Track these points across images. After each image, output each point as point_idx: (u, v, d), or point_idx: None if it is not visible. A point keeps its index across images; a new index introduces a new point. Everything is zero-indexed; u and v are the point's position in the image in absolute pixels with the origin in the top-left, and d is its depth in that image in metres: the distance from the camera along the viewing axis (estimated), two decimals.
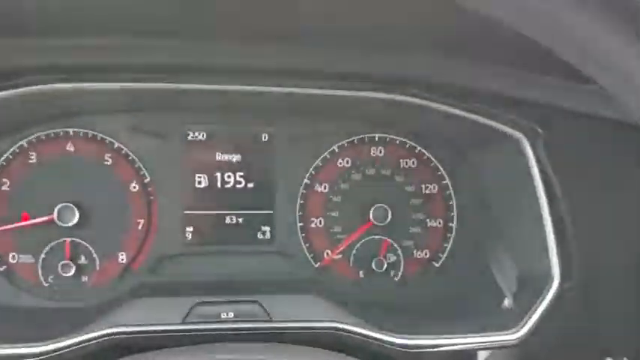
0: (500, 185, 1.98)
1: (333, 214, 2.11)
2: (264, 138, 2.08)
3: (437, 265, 2.15)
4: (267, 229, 2.09)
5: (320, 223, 2.11)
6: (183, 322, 1.69)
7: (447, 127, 1.97)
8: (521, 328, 1.74)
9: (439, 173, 2.14)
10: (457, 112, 1.77)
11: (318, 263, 2.11)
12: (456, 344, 1.75)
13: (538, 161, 1.76)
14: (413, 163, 2.13)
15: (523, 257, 1.90)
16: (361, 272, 2.13)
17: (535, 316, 1.73)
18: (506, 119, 1.77)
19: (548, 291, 1.74)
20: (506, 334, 1.74)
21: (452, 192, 2.14)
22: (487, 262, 2.04)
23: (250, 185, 2.08)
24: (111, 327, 1.64)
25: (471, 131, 1.88)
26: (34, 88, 1.66)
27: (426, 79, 1.74)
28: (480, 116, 1.78)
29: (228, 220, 2.08)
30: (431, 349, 1.74)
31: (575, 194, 1.78)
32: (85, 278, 2.01)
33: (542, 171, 1.76)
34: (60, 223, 1.93)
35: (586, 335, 1.83)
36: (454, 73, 1.74)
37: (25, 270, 1.98)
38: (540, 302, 1.74)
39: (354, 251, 2.12)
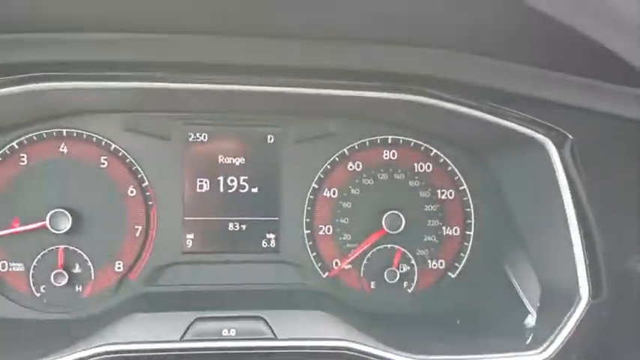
0: (522, 192, 1.84)
1: (343, 221, 1.99)
2: (270, 140, 1.96)
3: (453, 276, 2.02)
4: (272, 236, 1.97)
5: (328, 231, 1.99)
6: (182, 340, 1.57)
7: (465, 130, 1.83)
8: (547, 348, 1.60)
9: (456, 178, 2.01)
10: (477, 113, 1.64)
11: (327, 273, 1.99)
12: None
13: (565, 167, 1.63)
14: (428, 167, 2.00)
15: (547, 270, 1.76)
16: (372, 283, 2.00)
17: (562, 336, 1.60)
18: (530, 122, 1.64)
19: (577, 307, 1.60)
20: (530, 355, 1.61)
21: (469, 198, 2.01)
22: (507, 275, 1.92)
23: (254, 190, 1.96)
24: (105, 345, 1.52)
25: (491, 134, 1.75)
26: (25, 86, 1.53)
27: (445, 78, 1.60)
28: (502, 118, 1.65)
29: (230, 227, 1.95)
30: None
31: (604, 202, 1.64)
32: (79, 288, 1.89)
33: (569, 177, 1.63)
34: (52, 230, 1.82)
35: (616, 356, 1.70)
36: (474, 73, 1.61)
37: (15, 279, 1.87)
38: (568, 320, 1.60)
39: (364, 261, 1.99)
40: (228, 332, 1.60)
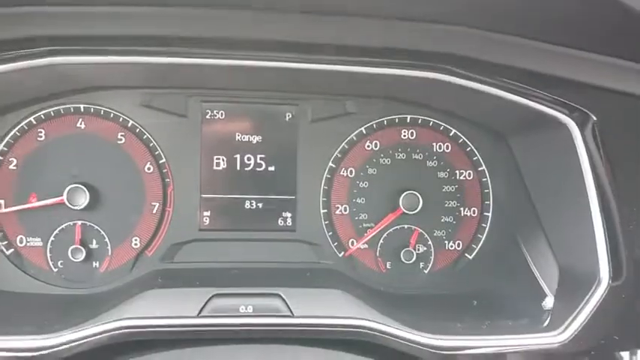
0: (542, 173, 1.81)
1: (359, 200, 1.97)
2: (287, 118, 1.94)
3: (470, 257, 2.01)
4: (288, 215, 1.96)
5: (345, 211, 1.97)
6: (199, 316, 1.57)
7: (486, 110, 1.80)
8: (565, 330, 1.59)
9: (475, 159, 1.99)
10: (500, 93, 1.61)
11: (342, 253, 1.98)
12: (491, 346, 1.61)
13: (587, 148, 1.60)
14: (447, 147, 1.98)
15: (567, 252, 1.74)
16: (388, 263, 1.99)
17: (580, 318, 1.58)
18: (553, 101, 1.61)
19: (596, 290, 1.58)
20: (548, 337, 1.60)
21: (488, 179, 1.99)
22: (525, 256, 1.89)
23: (271, 168, 1.95)
24: (122, 320, 1.52)
25: (513, 114, 1.72)
26: (43, 60, 1.52)
27: (468, 56, 1.58)
28: (525, 98, 1.62)
29: (247, 205, 1.95)
30: (463, 351, 1.60)
31: (626, 184, 1.61)
32: (96, 264, 1.90)
33: (591, 158, 1.60)
34: (70, 206, 1.82)
35: (634, 339, 1.68)
36: (497, 50, 1.58)
37: (33, 254, 1.88)
38: (587, 302, 1.58)
39: (380, 241, 1.98)
40: (246, 309, 1.59)
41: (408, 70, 1.60)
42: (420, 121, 1.97)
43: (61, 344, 1.48)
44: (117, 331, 1.50)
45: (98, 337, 1.50)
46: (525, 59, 1.58)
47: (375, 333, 1.58)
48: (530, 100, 1.61)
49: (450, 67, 1.58)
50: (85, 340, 1.50)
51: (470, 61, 1.58)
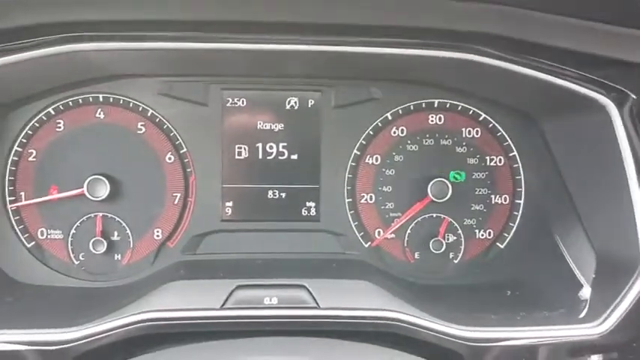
0: (577, 158, 1.73)
1: (386, 189, 1.91)
2: (310, 104, 1.88)
3: (501, 246, 1.93)
4: (312, 204, 1.90)
5: (371, 199, 1.91)
6: (223, 308, 1.53)
7: (518, 92, 1.73)
8: (604, 321, 1.51)
9: (506, 144, 1.91)
10: (534, 73, 1.54)
11: (369, 243, 1.92)
12: (527, 337, 1.54)
13: (626, 129, 1.52)
14: (477, 132, 1.91)
15: (605, 240, 1.65)
16: (416, 254, 1.93)
17: (620, 309, 1.50)
18: (590, 81, 1.53)
19: (637, 279, 1.50)
20: (586, 328, 1.52)
21: (520, 165, 1.91)
22: (558, 245, 1.82)
23: (294, 157, 1.90)
24: (145, 312, 1.49)
25: (547, 96, 1.65)
26: (61, 47, 1.49)
27: (500, 34, 1.51)
28: (560, 78, 1.54)
29: (270, 195, 1.90)
30: (498, 343, 1.53)
31: None
32: (117, 256, 1.87)
33: (630, 140, 1.52)
34: (91, 197, 1.79)
35: None
36: (532, 29, 1.51)
37: (54, 246, 1.85)
38: (627, 292, 1.50)
39: (408, 230, 1.91)
40: (270, 300, 1.54)
41: (439, 51, 1.53)
42: (448, 106, 1.89)
43: (84, 337, 1.45)
44: (140, 324, 1.47)
45: (121, 330, 1.47)
46: (562, 37, 1.51)
47: (405, 325, 1.51)
48: (566, 80, 1.54)
49: (484, 47, 1.51)
50: (109, 333, 1.46)
51: (504, 41, 1.51)
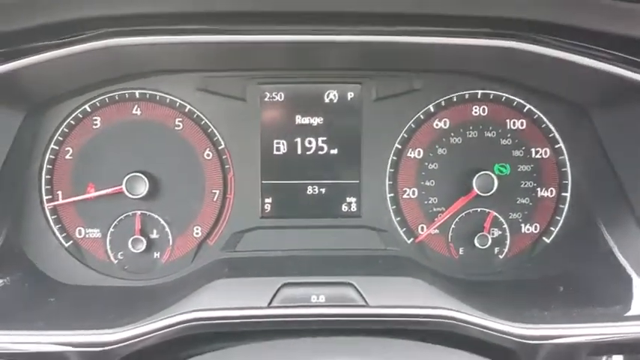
0: (632, 149, 1.67)
1: (429, 183, 1.86)
2: (350, 97, 1.84)
3: (548, 241, 1.88)
4: (352, 200, 1.86)
5: (413, 194, 1.87)
6: (270, 307, 1.49)
7: (567, 81, 1.67)
8: None
9: (551, 135, 1.85)
10: (585, 61, 1.48)
11: (412, 239, 1.87)
12: (582, 335, 1.48)
13: None
14: (521, 123, 1.85)
15: None
16: (461, 249, 1.88)
17: None
18: None
19: None
20: None
21: (566, 157, 1.86)
22: (606, 239, 1.76)
23: (334, 151, 1.85)
24: (191, 312, 1.45)
25: (599, 85, 1.59)
26: (97, 42, 1.46)
27: (552, 21, 1.45)
28: (613, 65, 1.49)
29: (309, 191, 1.86)
30: (554, 341, 1.48)
31: None
32: (157, 254, 1.83)
33: None
34: (129, 195, 1.75)
35: None
36: (581, 13, 1.45)
37: (92, 246, 1.83)
38: None
39: (452, 226, 1.87)
40: (317, 299, 1.51)
41: (485, 40, 1.48)
42: (491, 97, 1.84)
43: (130, 338, 1.43)
44: (186, 324, 1.44)
45: (167, 330, 1.44)
46: (618, 23, 1.44)
47: (458, 322, 1.47)
48: (621, 68, 1.48)
49: (534, 34, 1.46)
50: (154, 334, 1.44)
51: (556, 28, 1.46)
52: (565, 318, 1.52)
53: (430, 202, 1.86)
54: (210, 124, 1.82)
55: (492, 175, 1.79)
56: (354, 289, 1.53)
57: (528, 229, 1.88)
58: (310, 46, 1.54)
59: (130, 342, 1.42)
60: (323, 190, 1.86)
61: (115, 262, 1.82)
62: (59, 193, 1.80)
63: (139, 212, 1.82)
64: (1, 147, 1.65)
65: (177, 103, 1.82)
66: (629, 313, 1.54)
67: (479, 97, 1.84)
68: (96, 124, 1.81)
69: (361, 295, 1.51)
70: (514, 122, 1.85)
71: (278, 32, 1.49)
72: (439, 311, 1.47)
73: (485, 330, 1.46)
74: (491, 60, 1.65)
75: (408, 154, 1.86)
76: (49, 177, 1.80)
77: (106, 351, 1.41)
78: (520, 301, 1.67)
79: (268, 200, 1.85)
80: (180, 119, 1.82)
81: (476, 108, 1.85)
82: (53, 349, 1.42)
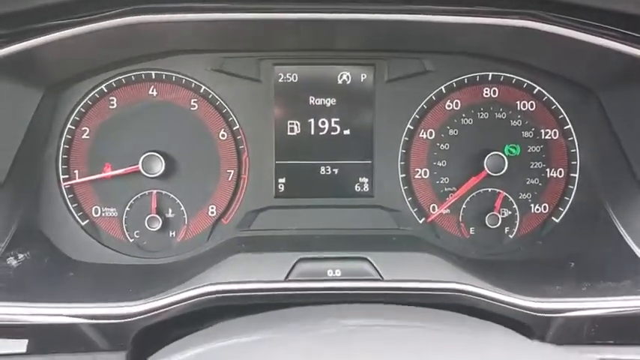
0: (638, 131, 1.70)
1: (440, 163, 1.89)
2: (362, 78, 1.87)
3: (557, 220, 1.91)
4: (365, 180, 1.89)
5: (425, 175, 1.89)
6: (287, 280, 1.52)
7: (575, 61, 1.70)
8: None
9: (560, 117, 1.88)
10: (592, 39, 1.50)
11: (423, 219, 1.90)
12: (593, 308, 1.51)
13: None
14: (531, 105, 1.88)
15: None
16: (471, 229, 1.91)
17: None
18: None
19: None
20: None
21: (574, 138, 1.88)
22: (613, 219, 1.78)
23: (346, 132, 1.88)
24: (210, 285, 1.47)
25: (606, 65, 1.62)
26: (112, 21, 1.48)
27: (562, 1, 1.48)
28: (624, 44, 1.51)
29: (322, 171, 1.89)
30: (565, 314, 1.50)
31: None
32: (172, 233, 1.86)
33: None
34: (145, 174, 1.78)
35: None
36: None
37: (109, 224, 1.85)
38: None
39: (463, 206, 1.90)
40: (333, 273, 1.53)
41: (496, 18, 1.51)
42: (502, 79, 1.87)
43: (149, 311, 1.44)
44: (205, 297, 1.46)
45: (186, 303, 1.46)
46: (628, 1, 1.47)
47: (471, 296, 1.50)
48: (629, 46, 1.51)
49: (544, 13, 1.49)
50: (173, 307, 1.46)
51: (565, 7, 1.48)
52: (576, 292, 1.55)
53: (441, 182, 1.89)
54: (225, 104, 1.85)
55: (503, 155, 1.82)
56: (369, 263, 1.55)
57: (538, 209, 1.91)
58: (322, 24, 1.57)
59: (150, 314, 1.45)
60: (336, 171, 1.89)
61: (131, 240, 1.85)
62: (76, 172, 1.83)
63: (154, 191, 1.84)
64: (20, 126, 1.68)
65: (193, 84, 1.84)
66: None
67: (489, 79, 1.87)
68: (112, 105, 1.83)
69: (376, 270, 1.54)
70: (524, 104, 1.88)
71: (294, 10, 1.51)
72: (453, 285, 1.50)
73: (498, 303, 1.49)
74: (499, 41, 1.67)
75: (420, 135, 1.88)
76: (65, 157, 1.83)
77: (127, 323, 1.44)
78: (531, 277, 1.70)
79: (282, 180, 1.88)
80: (196, 100, 1.85)
81: (486, 89, 1.87)
82: (75, 321, 1.44)
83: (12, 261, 1.60)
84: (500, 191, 1.88)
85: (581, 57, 1.64)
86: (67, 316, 1.44)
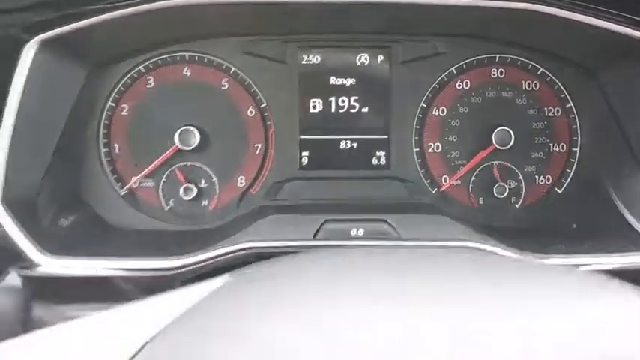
0: (635, 109, 1.84)
1: (452, 138, 2.05)
2: (379, 60, 2.02)
3: (559, 191, 2.06)
4: (382, 154, 2.04)
5: (437, 149, 2.05)
6: (315, 238, 1.67)
7: (574, 42, 1.85)
8: None
9: (562, 96, 2.03)
10: (589, 19, 1.63)
11: (436, 190, 2.05)
12: (597, 264, 1.65)
13: None
14: (535, 85, 2.03)
15: None
16: (480, 199, 2.06)
17: None
18: None
19: None
20: None
21: (576, 115, 2.04)
22: (611, 192, 1.93)
23: (364, 110, 2.04)
24: (242, 242, 1.62)
25: (604, 45, 1.76)
26: (153, 4, 1.63)
27: None
28: (620, 24, 1.65)
29: (342, 145, 2.04)
30: None
31: None
32: (204, 202, 2.02)
33: None
34: (181, 147, 1.94)
35: None
36: None
37: (146, 194, 2.01)
38: None
39: (473, 177, 2.05)
40: (357, 232, 1.69)
41: (503, 1, 1.66)
42: (508, 60, 2.02)
43: (192, 264, 1.59)
44: (243, 251, 1.61)
45: (224, 257, 1.61)
46: None
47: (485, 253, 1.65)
48: (624, 27, 1.65)
49: None
50: (212, 261, 1.60)
51: None
52: (579, 249, 1.69)
53: (453, 155, 2.05)
54: (253, 84, 2.00)
55: (510, 130, 1.97)
56: (388, 225, 1.71)
57: (542, 181, 2.06)
58: (345, 8, 1.71)
59: (191, 267, 1.59)
60: (355, 145, 2.04)
61: (167, 208, 2.00)
62: (116, 146, 1.98)
63: (189, 164, 2.00)
64: (67, 102, 1.83)
65: (224, 65, 2.00)
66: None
67: (497, 60, 2.02)
68: (150, 84, 1.99)
69: (395, 230, 1.70)
70: (529, 83, 2.03)
71: None
72: (467, 243, 1.64)
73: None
74: (507, 24, 1.82)
75: (433, 112, 2.04)
76: (106, 132, 1.98)
77: (172, 275, 1.58)
78: (537, 238, 1.84)
79: (305, 154, 2.03)
80: (226, 80, 2.00)
81: (494, 70, 2.03)
82: (122, 273, 1.58)
83: (64, 222, 1.76)
84: (507, 164, 2.04)
85: (579, 37, 1.78)
86: (115, 269, 1.59)
